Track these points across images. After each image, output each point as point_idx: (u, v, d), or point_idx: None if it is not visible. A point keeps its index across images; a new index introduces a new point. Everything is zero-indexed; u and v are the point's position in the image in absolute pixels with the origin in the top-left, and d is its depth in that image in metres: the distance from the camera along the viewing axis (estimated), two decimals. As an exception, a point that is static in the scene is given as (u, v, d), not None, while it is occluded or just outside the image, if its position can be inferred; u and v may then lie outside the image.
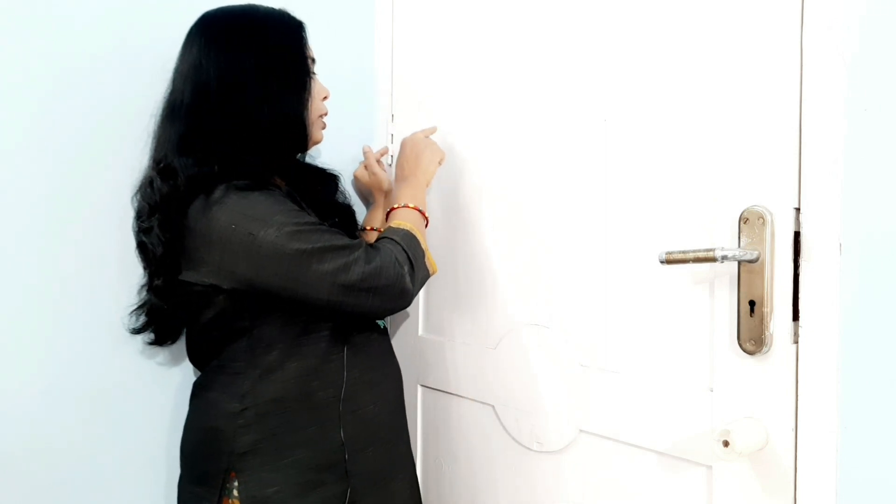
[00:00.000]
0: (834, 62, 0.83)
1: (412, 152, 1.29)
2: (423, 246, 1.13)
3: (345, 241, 1.02)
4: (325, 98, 1.17)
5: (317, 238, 1.00)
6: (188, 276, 1.03)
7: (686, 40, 0.98)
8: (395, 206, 1.19)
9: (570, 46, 1.14)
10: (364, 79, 1.52)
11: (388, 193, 1.37)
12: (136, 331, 1.14)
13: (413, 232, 1.12)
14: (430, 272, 1.14)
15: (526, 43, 1.20)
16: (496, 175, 1.26)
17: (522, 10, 1.21)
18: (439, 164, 1.30)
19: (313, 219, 1.03)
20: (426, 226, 1.20)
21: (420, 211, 1.19)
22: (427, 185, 1.25)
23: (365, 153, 1.41)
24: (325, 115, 1.17)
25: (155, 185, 1.04)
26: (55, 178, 1.13)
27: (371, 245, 1.07)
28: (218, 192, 1.00)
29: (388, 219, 1.18)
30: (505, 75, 1.24)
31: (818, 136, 0.84)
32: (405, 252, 1.08)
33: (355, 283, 1.00)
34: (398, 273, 1.04)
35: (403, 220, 1.15)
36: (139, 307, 1.13)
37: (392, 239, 1.10)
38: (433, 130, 1.35)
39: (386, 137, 1.49)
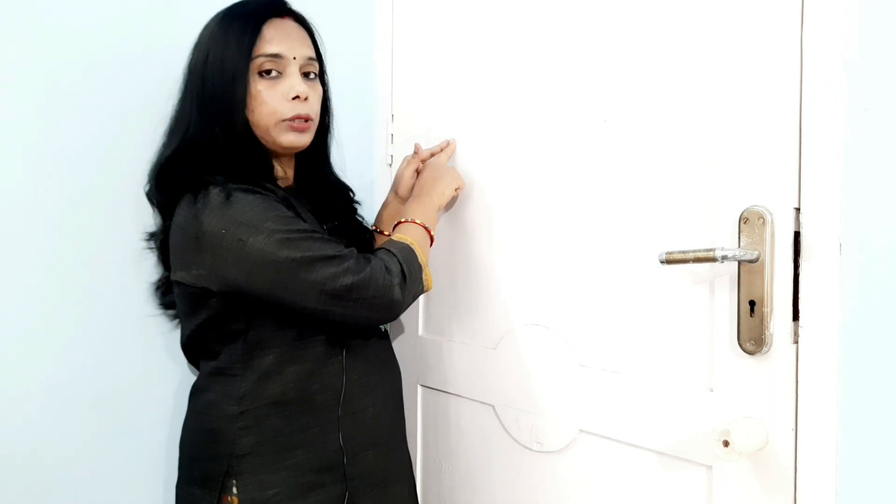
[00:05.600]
0: (834, 62, 0.83)
1: (432, 175, 1.27)
2: (422, 261, 1.11)
3: (335, 250, 1.01)
4: (298, 98, 1.07)
5: (307, 246, 0.99)
6: (179, 276, 1.04)
7: (686, 40, 0.98)
8: (403, 220, 1.18)
9: (570, 46, 1.13)
10: (364, 79, 1.51)
11: (399, 196, 1.34)
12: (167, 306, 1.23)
13: (413, 246, 1.11)
14: (425, 288, 1.12)
15: (526, 43, 1.20)
16: (496, 174, 1.26)
17: (523, 10, 1.21)
18: (456, 191, 1.29)
19: (306, 226, 1.03)
20: (431, 244, 1.18)
21: (426, 228, 1.17)
22: (439, 208, 1.24)
23: (417, 151, 1.36)
24: (295, 117, 1.07)
25: (151, 194, 1.12)
26: (55, 179, 1.13)
27: (364, 255, 1.05)
28: (207, 195, 0.99)
29: (394, 232, 1.17)
30: (505, 75, 1.24)
31: (818, 136, 0.84)
32: (400, 264, 1.06)
33: (343, 293, 0.99)
34: (387, 284, 1.02)
35: (406, 234, 1.14)
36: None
37: (389, 251, 1.08)
38: (452, 150, 1.33)
39: (386, 137, 1.49)
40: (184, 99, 1.10)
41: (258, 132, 1.08)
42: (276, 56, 1.06)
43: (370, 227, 1.30)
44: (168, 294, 1.20)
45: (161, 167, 1.08)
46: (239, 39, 1.05)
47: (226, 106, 1.05)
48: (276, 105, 1.07)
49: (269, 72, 1.06)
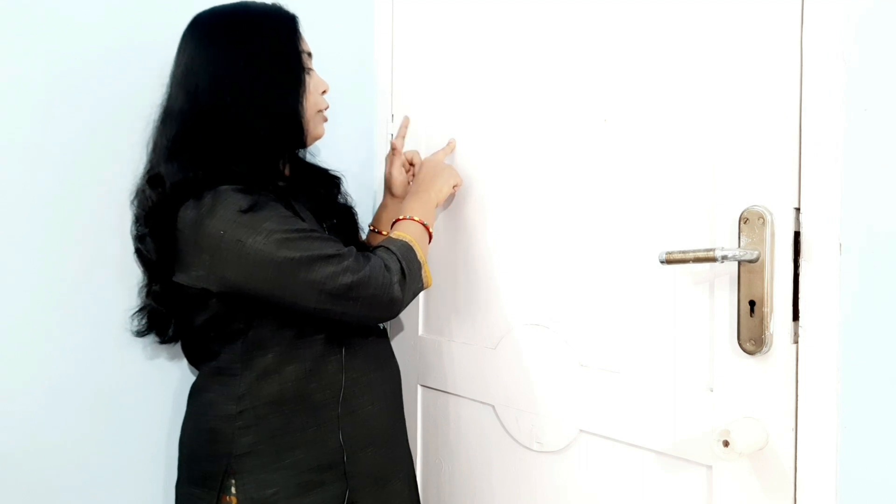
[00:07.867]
0: (834, 62, 0.83)
1: (430, 171, 1.28)
2: (421, 259, 1.11)
3: (334, 248, 1.01)
4: (325, 92, 1.16)
5: (306, 246, 0.99)
6: (180, 278, 1.03)
7: (687, 41, 0.98)
8: (401, 217, 1.18)
9: (570, 46, 1.14)
10: (364, 78, 1.51)
11: (395, 196, 1.36)
12: (140, 333, 1.15)
13: (411, 243, 1.11)
14: (425, 285, 1.12)
15: (526, 43, 1.20)
16: (496, 174, 1.26)
17: (523, 11, 1.21)
18: (454, 188, 1.29)
19: (305, 225, 1.03)
20: (429, 241, 1.19)
21: (425, 225, 1.18)
22: (437, 205, 1.25)
23: (394, 149, 1.37)
24: (326, 109, 1.17)
25: (146, 192, 1.05)
26: (58, 179, 1.13)
27: (363, 253, 1.06)
28: (208, 197, 0.99)
29: (392, 229, 1.17)
30: (505, 74, 1.24)
31: (818, 136, 0.84)
32: (399, 262, 1.06)
33: (343, 292, 0.99)
34: (387, 282, 1.03)
35: (405, 231, 1.14)
36: (140, 310, 1.14)
37: (388, 248, 1.09)
38: (452, 149, 1.34)
39: (386, 137, 1.49)
40: (181, 99, 1.06)
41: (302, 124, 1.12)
42: (310, 54, 1.14)
43: (353, 207, 1.28)
44: (149, 317, 1.12)
45: (160, 172, 1.04)
46: (287, 35, 1.10)
47: (292, 95, 1.09)
48: (316, 98, 1.14)
49: (308, 68, 1.13)
